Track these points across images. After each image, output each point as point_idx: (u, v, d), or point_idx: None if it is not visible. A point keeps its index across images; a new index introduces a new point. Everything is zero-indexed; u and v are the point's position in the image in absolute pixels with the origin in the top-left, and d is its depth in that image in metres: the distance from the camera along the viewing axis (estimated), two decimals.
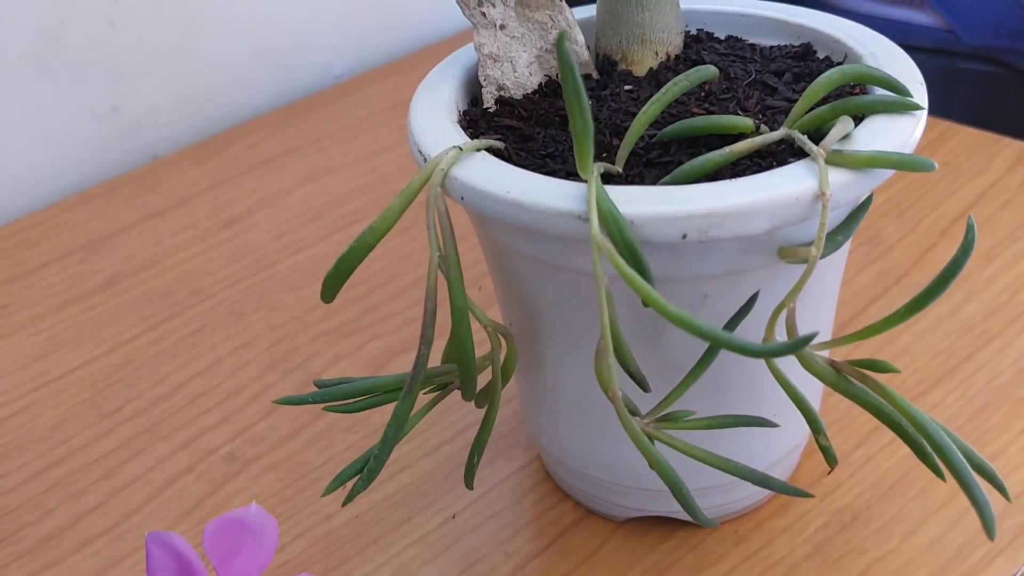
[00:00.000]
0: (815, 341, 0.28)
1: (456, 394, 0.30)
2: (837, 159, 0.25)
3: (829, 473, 0.33)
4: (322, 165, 0.59)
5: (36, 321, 0.48)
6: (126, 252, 0.53)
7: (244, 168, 0.60)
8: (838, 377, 0.26)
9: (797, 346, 0.22)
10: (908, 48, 0.74)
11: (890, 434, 0.27)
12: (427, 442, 0.39)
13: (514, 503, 0.36)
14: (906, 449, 0.27)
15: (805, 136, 0.26)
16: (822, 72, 0.32)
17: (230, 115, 0.67)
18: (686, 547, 0.34)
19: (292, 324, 0.46)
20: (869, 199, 0.28)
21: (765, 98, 0.30)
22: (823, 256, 0.26)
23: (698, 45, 0.33)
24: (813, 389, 0.32)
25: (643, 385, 0.27)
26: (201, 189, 0.58)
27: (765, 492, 0.34)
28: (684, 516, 0.29)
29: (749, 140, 0.27)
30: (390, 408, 0.28)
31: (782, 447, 0.33)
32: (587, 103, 0.22)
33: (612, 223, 0.24)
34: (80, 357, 0.46)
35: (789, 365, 0.27)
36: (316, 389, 0.30)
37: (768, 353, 0.22)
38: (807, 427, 0.28)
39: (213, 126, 0.66)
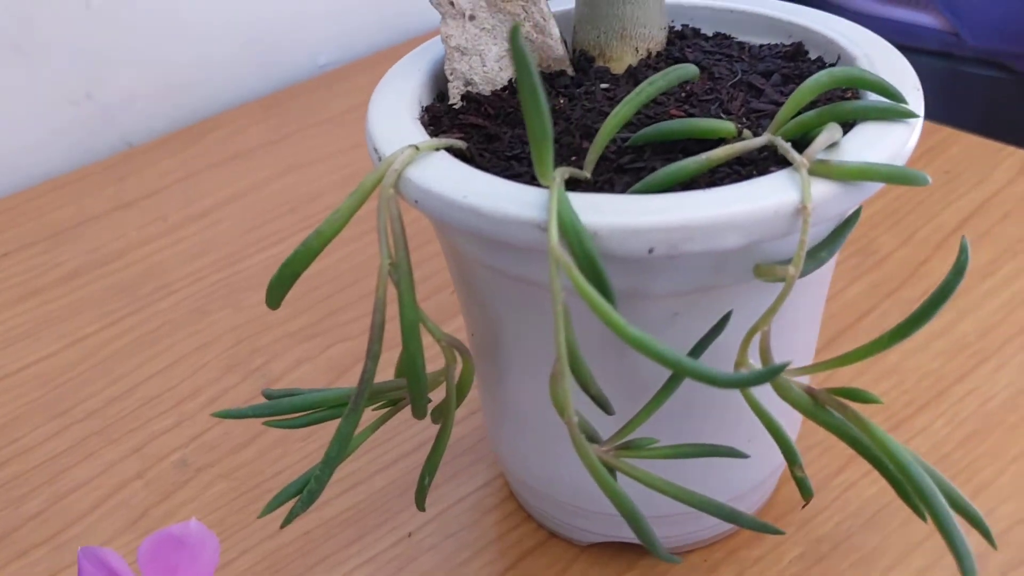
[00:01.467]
0: (793, 366, 0.26)
1: None
2: (822, 170, 0.23)
3: (804, 506, 0.31)
4: (301, 157, 0.57)
5: None
6: (91, 243, 0.51)
7: (220, 159, 0.58)
8: (815, 406, 0.24)
9: (765, 377, 0.20)
10: (911, 50, 0.72)
11: None
12: (383, 456, 0.37)
13: (474, 523, 0.34)
14: None
15: (789, 144, 0.24)
16: (813, 74, 0.30)
17: (211, 104, 0.65)
18: (652, 575, 0.32)
19: (255, 324, 0.44)
20: (857, 212, 0.26)
21: (750, 100, 0.28)
22: (803, 275, 0.24)
23: (682, 42, 0.31)
24: (791, 414, 0.29)
25: (606, 408, 0.25)
26: (174, 180, 0.56)
27: None
28: None
29: (728, 146, 0.25)
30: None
31: (758, 474, 0.31)
32: (545, 104, 0.20)
33: (573, 234, 0.22)
34: (35, 353, 0.44)
35: (764, 391, 0.25)
36: (266, 389, 0.29)
37: (734, 384, 0.20)
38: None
39: (192, 115, 0.64)
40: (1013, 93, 0.67)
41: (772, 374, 0.20)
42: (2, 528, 0.36)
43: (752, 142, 0.25)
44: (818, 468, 0.35)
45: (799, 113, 0.25)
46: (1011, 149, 0.52)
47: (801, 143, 0.25)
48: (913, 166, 0.53)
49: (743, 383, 0.20)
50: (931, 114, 0.63)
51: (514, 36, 0.19)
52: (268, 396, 0.29)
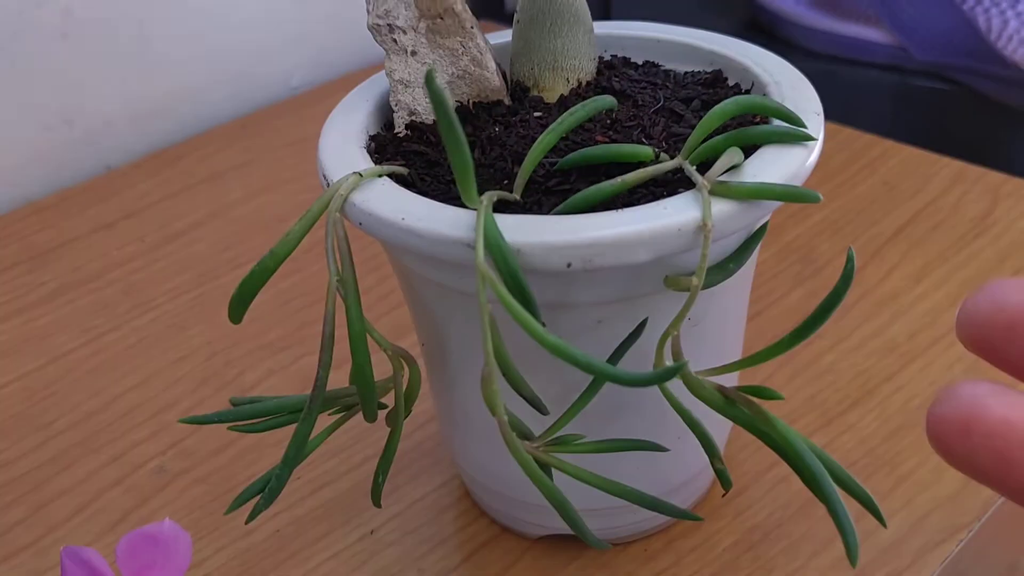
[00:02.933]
0: (710, 366, 0.29)
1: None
2: (722, 190, 0.26)
3: (724, 495, 0.34)
4: (274, 178, 0.60)
5: None
6: (73, 263, 0.53)
7: (196, 180, 0.60)
8: (726, 402, 0.27)
9: (665, 376, 0.22)
10: (861, 64, 0.75)
11: None
12: (350, 459, 0.39)
13: (432, 520, 0.36)
14: None
15: (694, 167, 0.27)
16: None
17: (186, 127, 0.67)
18: (595, 565, 0.34)
19: (229, 338, 0.46)
20: (763, 228, 0.29)
21: (671, 125, 0.31)
22: (710, 285, 0.27)
23: (610, 72, 0.34)
24: (718, 416, 0.32)
25: (539, 407, 0.27)
26: (152, 201, 0.59)
27: None
28: None
29: (642, 170, 0.27)
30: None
31: (690, 469, 0.34)
32: (463, 139, 0.23)
33: (497, 251, 0.25)
34: (18, 369, 0.46)
35: (685, 391, 0.28)
36: (233, 396, 0.31)
37: (637, 382, 0.23)
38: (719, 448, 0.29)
39: (169, 138, 0.66)
40: (960, 105, 0.70)
41: (670, 374, 0.22)
42: None
43: (663, 165, 0.27)
44: (752, 465, 0.37)
45: (709, 137, 0.28)
46: (947, 160, 0.54)
47: (712, 164, 0.28)
48: (855, 177, 0.56)
49: (645, 382, 0.23)
50: (881, 126, 0.66)
51: (429, 81, 0.21)
52: (234, 403, 0.31)
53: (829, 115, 0.31)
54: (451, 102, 0.30)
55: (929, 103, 0.71)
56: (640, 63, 0.35)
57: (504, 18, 0.80)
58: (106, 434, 0.42)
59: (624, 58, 0.35)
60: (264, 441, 0.41)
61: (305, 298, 0.49)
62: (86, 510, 0.38)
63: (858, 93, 0.73)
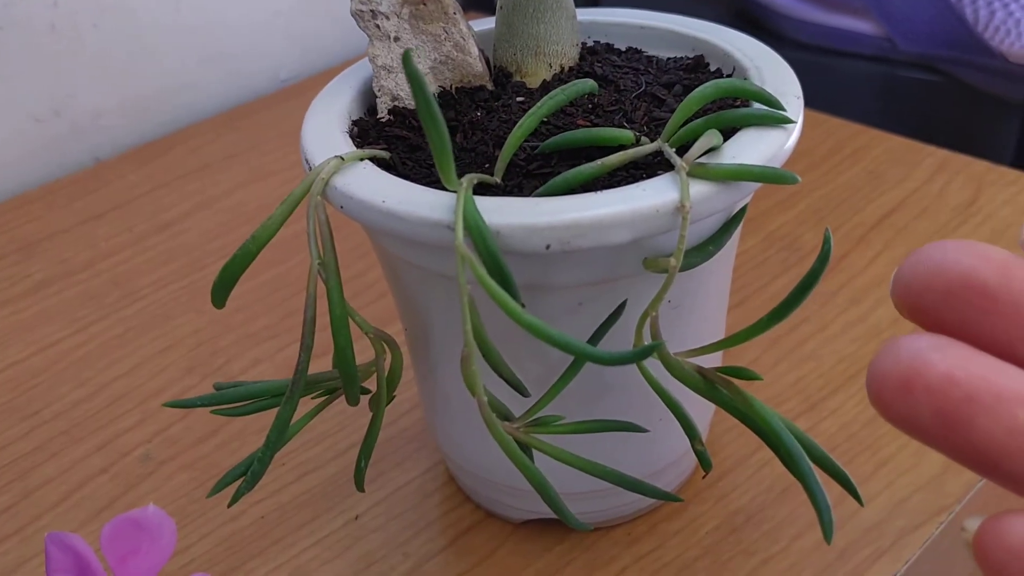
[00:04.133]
0: (691, 347, 0.29)
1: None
2: (700, 172, 0.26)
3: (704, 477, 0.34)
4: (262, 169, 0.60)
5: None
6: (61, 255, 0.54)
7: (185, 171, 0.60)
8: (705, 384, 0.27)
9: (641, 355, 0.22)
10: (849, 56, 0.75)
11: None
12: (336, 444, 0.39)
13: (416, 505, 0.37)
14: None
15: (673, 150, 0.27)
16: None
17: (176, 119, 0.67)
18: (579, 548, 0.34)
19: (215, 327, 0.46)
20: (743, 211, 0.29)
21: (653, 110, 0.31)
22: (690, 267, 0.27)
23: (592, 57, 0.34)
24: (701, 399, 0.32)
25: (520, 389, 0.28)
26: (141, 192, 0.59)
27: None
28: None
29: (622, 153, 0.27)
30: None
31: (672, 452, 0.34)
32: (441, 119, 0.23)
33: (477, 233, 0.25)
34: (5, 360, 0.46)
35: (665, 372, 0.28)
36: (216, 382, 0.31)
37: (616, 361, 0.23)
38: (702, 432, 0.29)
39: (158, 129, 0.66)
40: (946, 95, 0.70)
41: (647, 352, 0.22)
42: None
43: (643, 148, 0.27)
44: (735, 448, 0.38)
45: (689, 120, 0.28)
46: (931, 149, 0.55)
47: (689, 148, 0.28)
48: (840, 165, 0.57)
49: (620, 360, 0.23)
50: (869, 117, 0.66)
51: (406, 61, 0.21)
52: (218, 388, 0.31)
53: (817, 106, 0.32)
54: (429, 83, 0.30)
55: (917, 94, 0.71)
56: (623, 49, 0.35)
57: (490, 7, 0.80)
58: (92, 422, 0.42)
59: (607, 44, 0.36)
60: (248, 428, 0.41)
61: (290, 288, 0.49)
62: (72, 497, 0.39)
63: (846, 84, 0.73)
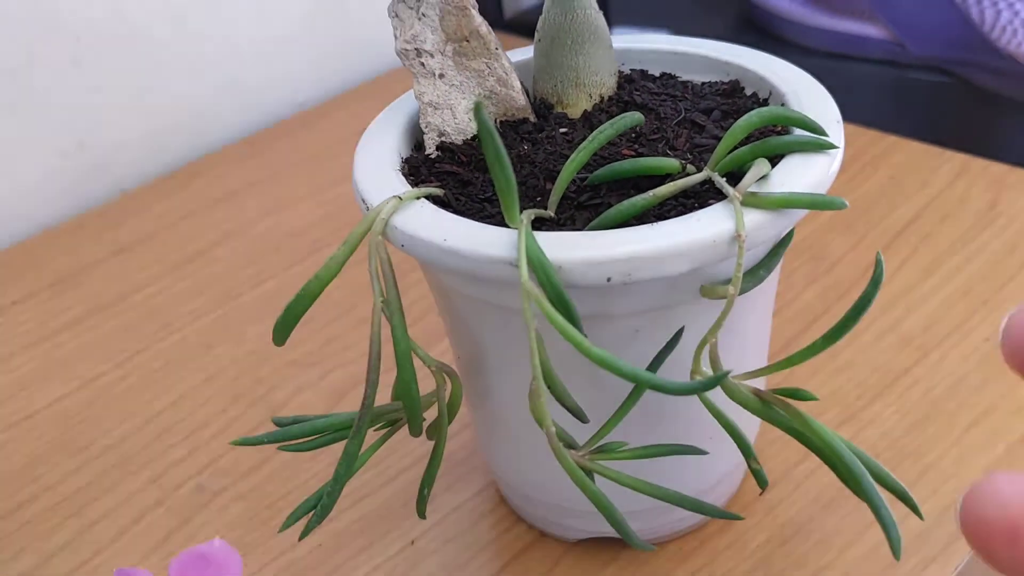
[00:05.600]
0: (743, 371, 0.30)
1: None
2: (753, 201, 0.27)
3: (761, 494, 0.35)
4: (287, 195, 0.61)
5: (5, 360, 0.49)
6: (95, 288, 0.54)
7: (210, 200, 0.61)
8: (763, 405, 0.28)
9: (708, 385, 0.23)
10: (859, 60, 0.76)
11: None
12: (387, 470, 0.40)
13: (470, 527, 0.37)
14: None
15: (724, 179, 0.28)
16: (748, 108, 0.33)
17: (197, 147, 0.68)
18: (634, 565, 0.35)
19: (255, 356, 0.47)
20: (790, 234, 0.30)
21: (694, 136, 0.32)
22: (743, 292, 0.28)
23: (630, 86, 0.35)
24: (749, 413, 0.33)
25: (580, 417, 0.28)
26: (168, 223, 0.59)
27: None
28: None
29: (672, 183, 0.28)
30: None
31: (723, 468, 0.35)
32: (509, 165, 0.24)
33: (540, 269, 0.26)
34: (50, 395, 0.47)
35: (719, 394, 0.29)
36: (275, 416, 0.32)
37: (683, 391, 0.24)
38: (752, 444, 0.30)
39: (181, 158, 0.67)
40: (957, 97, 0.71)
41: (714, 383, 0.23)
42: (35, 559, 0.39)
43: (693, 178, 0.28)
44: (780, 460, 0.38)
45: (734, 148, 0.29)
46: (950, 154, 0.55)
47: (737, 174, 0.29)
48: (861, 173, 0.58)
49: (690, 391, 0.24)
50: (880, 119, 0.67)
51: (477, 111, 0.22)
52: (278, 423, 0.32)
53: None
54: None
55: (927, 96, 0.72)
56: (658, 75, 0.36)
57: (504, 26, 0.81)
58: (142, 456, 0.43)
59: (642, 71, 0.36)
60: (298, 457, 0.42)
61: (328, 314, 0.49)
62: (129, 531, 0.39)
63: (856, 88, 0.74)
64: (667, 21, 0.80)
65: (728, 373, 0.24)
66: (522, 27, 0.80)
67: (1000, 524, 0.16)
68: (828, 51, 0.74)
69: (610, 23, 0.78)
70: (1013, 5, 0.69)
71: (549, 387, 0.27)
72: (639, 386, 0.28)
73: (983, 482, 0.17)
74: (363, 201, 0.30)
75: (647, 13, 0.82)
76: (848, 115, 0.61)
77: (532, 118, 0.34)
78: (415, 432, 0.30)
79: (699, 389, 0.24)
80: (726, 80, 0.35)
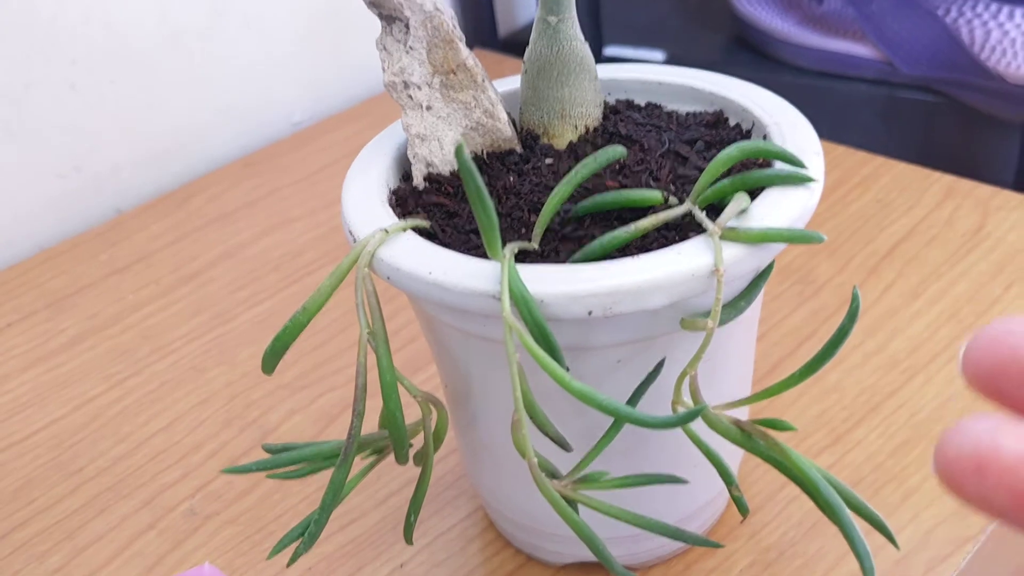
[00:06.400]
0: (726, 399, 0.30)
1: None
2: (732, 235, 0.27)
3: (742, 522, 0.35)
4: (281, 216, 0.61)
5: (1, 382, 0.50)
6: (90, 309, 0.55)
7: (205, 221, 0.62)
8: (743, 436, 0.28)
9: (688, 418, 0.23)
10: (850, 79, 0.76)
11: None
12: (376, 494, 0.40)
13: (459, 551, 0.38)
14: None
15: (704, 212, 0.28)
16: (731, 139, 0.34)
17: (192, 167, 0.68)
18: None
19: (248, 379, 0.48)
20: (770, 266, 0.30)
21: (677, 167, 0.32)
22: (723, 323, 0.28)
23: (616, 116, 0.35)
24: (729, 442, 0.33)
25: (564, 446, 0.29)
26: (163, 244, 0.60)
27: None
28: None
29: (654, 216, 0.29)
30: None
31: (707, 494, 0.35)
32: (491, 204, 0.24)
33: (522, 303, 0.26)
34: (45, 417, 0.47)
35: (700, 424, 0.29)
36: (265, 443, 0.32)
37: (663, 425, 0.24)
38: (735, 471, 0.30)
39: (176, 179, 0.68)
40: (946, 117, 0.72)
41: (692, 416, 0.24)
42: None
43: (674, 211, 0.29)
44: (763, 486, 0.39)
45: (716, 181, 0.29)
46: (938, 175, 0.56)
47: (718, 207, 0.29)
48: (848, 195, 0.58)
49: (669, 425, 0.24)
50: (870, 139, 0.67)
51: (459, 154, 0.23)
52: (268, 450, 0.33)
53: (818, 130, 0.33)
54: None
55: (917, 116, 0.72)
56: (643, 104, 0.37)
57: (498, 45, 0.81)
58: (135, 478, 0.43)
59: (628, 100, 0.37)
60: (288, 481, 0.42)
61: (318, 337, 0.50)
62: (122, 555, 0.40)
63: (846, 107, 0.75)
64: (660, 41, 0.81)
65: (705, 407, 0.24)
66: (516, 46, 0.81)
67: (968, 459, 0.17)
68: (819, 70, 0.75)
69: (603, 42, 0.79)
70: (1003, 25, 0.70)
71: (531, 418, 0.27)
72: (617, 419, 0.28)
73: (953, 426, 0.17)
74: (350, 233, 0.30)
75: (640, 33, 0.83)
76: (838, 133, 0.62)
77: (518, 149, 0.34)
78: (401, 461, 0.30)
79: (678, 423, 0.24)
80: (711, 110, 0.36)
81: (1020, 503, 0.17)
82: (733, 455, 0.35)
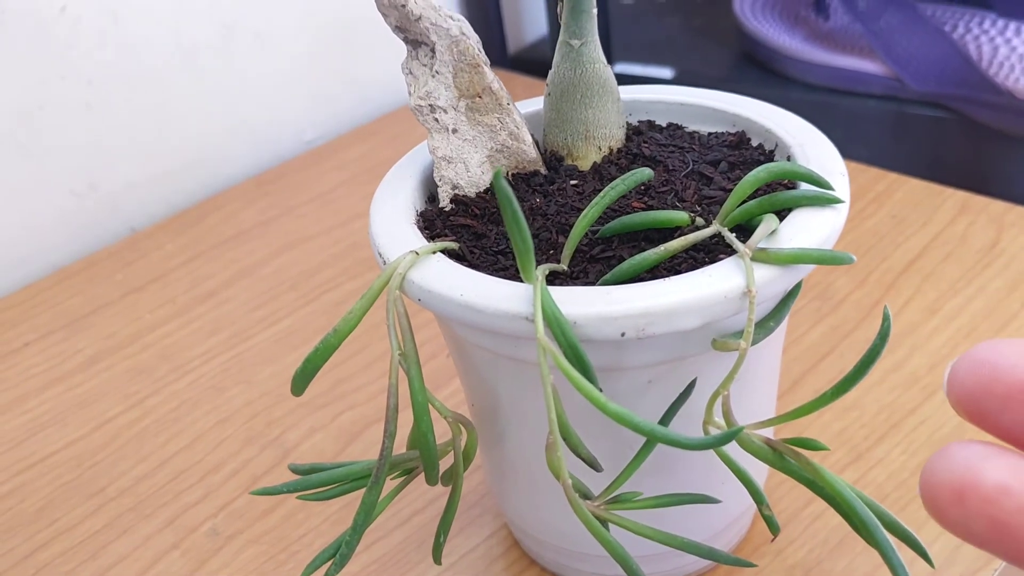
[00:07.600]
0: (754, 418, 0.30)
1: None
2: (762, 256, 0.28)
3: (772, 540, 0.35)
4: (296, 234, 0.61)
5: (20, 402, 0.50)
6: (107, 329, 0.55)
7: (220, 240, 0.62)
8: (774, 455, 0.28)
9: (723, 441, 0.24)
10: (859, 95, 0.77)
11: None
12: (400, 512, 0.40)
13: (484, 570, 0.38)
14: None
15: (733, 234, 0.29)
16: (755, 160, 0.34)
17: (206, 186, 0.69)
18: None
19: (268, 397, 0.48)
20: (798, 285, 0.30)
21: (702, 188, 0.32)
22: (754, 343, 0.28)
23: (639, 137, 0.35)
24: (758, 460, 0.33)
25: (595, 467, 0.29)
26: (179, 263, 0.60)
27: None
28: None
29: (683, 238, 0.29)
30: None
31: (733, 512, 0.35)
32: (527, 228, 0.24)
33: (556, 325, 0.26)
34: (65, 437, 0.47)
35: (732, 443, 0.29)
36: (291, 463, 0.32)
37: (698, 447, 0.24)
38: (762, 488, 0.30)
39: (190, 197, 0.68)
40: (956, 132, 0.72)
41: (729, 438, 0.24)
42: None
43: (702, 232, 0.29)
44: (789, 502, 0.39)
45: (743, 202, 0.30)
46: (951, 191, 0.56)
47: (745, 227, 0.29)
48: (863, 211, 0.58)
49: (706, 446, 0.24)
50: (880, 156, 0.68)
51: (496, 180, 0.23)
52: (295, 471, 0.33)
53: None
54: (486, 171, 0.32)
55: (927, 131, 0.73)
56: (664, 125, 0.37)
57: (507, 63, 0.82)
58: (157, 498, 0.43)
59: (649, 121, 0.37)
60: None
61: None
62: (146, 575, 0.40)
63: (856, 123, 0.75)
64: (668, 58, 0.81)
65: (742, 429, 0.24)
66: (525, 64, 0.82)
67: (949, 486, 0.17)
68: (828, 87, 0.75)
69: (611, 60, 0.79)
70: (1010, 41, 0.70)
71: (565, 439, 0.27)
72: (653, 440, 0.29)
73: (938, 452, 0.18)
74: (380, 255, 0.31)
75: (648, 50, 0.83)
76: (848, 150, 0.62)
77: (543, 170, 0.34)
78: (431, 481, 0.30)
79: (715, 444, 0.24)
80: (732, 131, 0.36)
81: (999, 533, 0.17)
82: (759, 473, 0.35)
